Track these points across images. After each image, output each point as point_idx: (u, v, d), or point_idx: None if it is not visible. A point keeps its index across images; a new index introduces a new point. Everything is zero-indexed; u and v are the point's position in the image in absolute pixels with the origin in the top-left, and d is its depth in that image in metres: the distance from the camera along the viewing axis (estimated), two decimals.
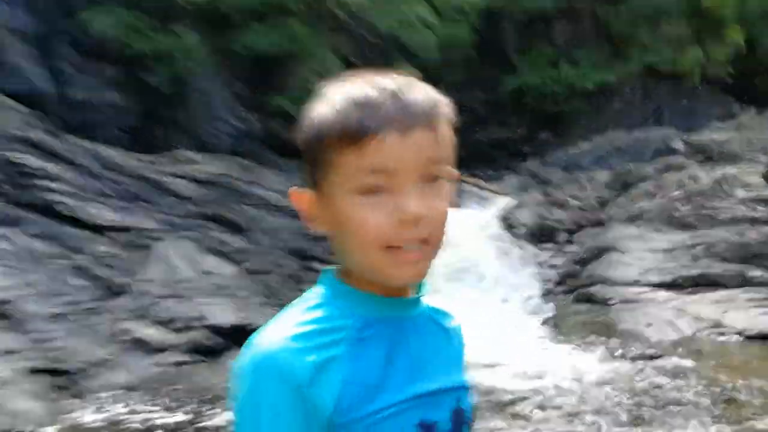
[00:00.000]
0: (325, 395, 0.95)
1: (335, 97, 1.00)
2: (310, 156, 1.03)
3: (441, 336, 1.13)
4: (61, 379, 6.42)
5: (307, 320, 1.00)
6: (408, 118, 0.96)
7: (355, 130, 0.96)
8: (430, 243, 1.00)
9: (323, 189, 1.03)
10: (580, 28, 17.61)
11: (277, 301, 8.23)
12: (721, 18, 16.60)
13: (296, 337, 0.97)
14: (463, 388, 1.12)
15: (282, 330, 0.99)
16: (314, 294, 1.06)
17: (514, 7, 16.75)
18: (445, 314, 1.17)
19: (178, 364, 7.01)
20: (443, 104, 1.04)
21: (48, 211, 8.12)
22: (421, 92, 1.01)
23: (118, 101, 12.61)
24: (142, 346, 7.04)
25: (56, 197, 8.25)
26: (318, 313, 1.02)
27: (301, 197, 1.08)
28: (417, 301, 1.09)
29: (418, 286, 1.11)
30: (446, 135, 1.02)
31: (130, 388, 6.50)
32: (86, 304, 7.32)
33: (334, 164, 0.99)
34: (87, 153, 9.28)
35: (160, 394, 6.38)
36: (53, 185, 8.39)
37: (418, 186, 0.97)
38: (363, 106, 0.97)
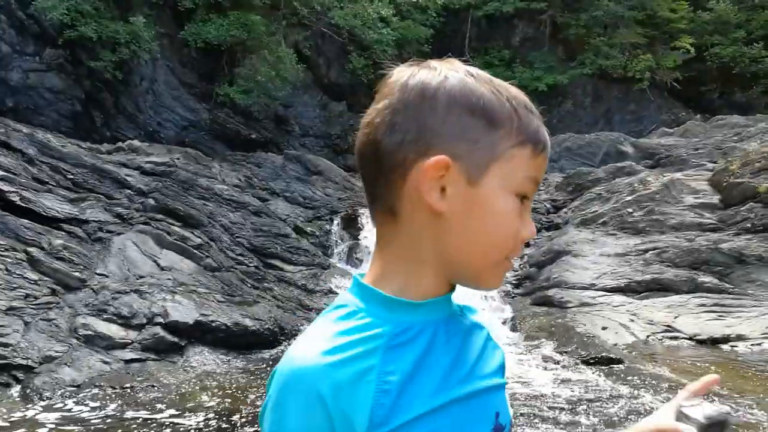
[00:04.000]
0: (360, 409, 0.91)
1: (500, 88, 0.97)
2: (465, 131, 0.94)
3: (473, 335, 1.06)
4: (13, 375, 6.18)
5: (340, 331, 0.95)
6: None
7: (540, 139, 0.96)
8: None
9: (479, 172, 0.94)
10: (536, 30, 17.80)
11: (237, 298, 8.04)
12: (673, 27, 17.03)
13: (330, 351, 0.92)
14: (499, 388, 1.06)
15: (315, 344, 0.93)
16: (346, 301, 1.00)
17: (475, 6, 16.81)
18: (472, 310, 1.12)
19: (133, 361, 6.79)
20: None
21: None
22: None
23: (59, 85, 12.08)
24: (101, 341, 6.82)
25: (6, 187, 7.82)
26: (352, 323, 0.96)
27: (442, 164, 0.93)
28: (450, 300, 1.03)
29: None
30: None
31: (83, 385, 6.26)
32: (43, 298, 7.01)
33: (507, 157, 0.94)
34: (30, 140, 8.81)
35: (114, 392, 6.17)
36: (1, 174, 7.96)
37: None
38: (536, 116, 0.98)
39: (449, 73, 0.95)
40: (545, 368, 6.80)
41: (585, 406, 5.80)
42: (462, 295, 1.09)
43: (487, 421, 1.01)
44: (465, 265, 0.98)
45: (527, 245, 10.10)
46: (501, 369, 1.09)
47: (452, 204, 0.94)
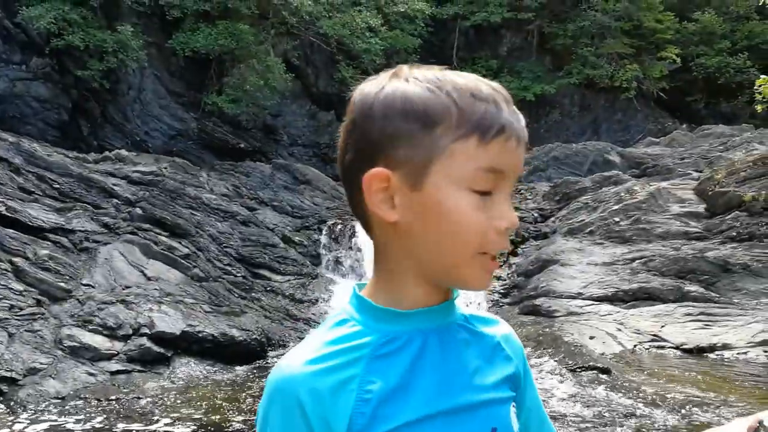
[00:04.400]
0: (339, 417, 0.92)
1: (439, 83, 0.93)
2: (402, 133, 0.92)
3: (475, 345, 1.03)
4: None
5: (328, 340, 0.97)
6: (522, 129, 0.94)
7: (487, 125, 0.91)
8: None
9: (420, 176, 0.92)
10: (524, 40, 17.90)
11: (225, 308, 8.00)
12: (659, 37, 17.18)
13: (314, 360, 0.94)
14: (500, 402, 1.01)
15: (302, 353, 0.96)
16: (342, 311, 1.02)
17: (463, 16, 16.89)
18: (485, 321, 1.08)
19: (119, 372, 6.75)
20: None
21: None
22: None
23: (46, 94, 12.02)
24: (86, 353, 6.77)
25: None
26: (341, 331, 0.98)
27: (381, 177, 0.93)
28: (448, 309, 1.01)
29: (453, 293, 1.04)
30: None
31: (67, 397, 6.21)
32: (28, 309, 6.97)
33: (448, 153, 0.91)
34: (16, 149, 8.76)
35: (99, 405, 6.12)
36: None
37: (510, 197, 0.96)
38: (485, 101, 0.92)
39: (387, 81, 0.94)
40: (536, 378, 6.79)
41: (568, 413, 5.81)
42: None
43: None
44: (438, 267, 0.95)
45: (515, 254, 10.13)
46: (509, 381, 1.05)
47: (403, 213, 0.93)
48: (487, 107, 0.92)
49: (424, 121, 0.91)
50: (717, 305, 8.32)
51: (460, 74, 0.95)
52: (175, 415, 5.95)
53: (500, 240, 0.92)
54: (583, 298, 8.66)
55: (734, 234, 9.08)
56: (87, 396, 6.25)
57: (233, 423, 5.80)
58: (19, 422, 5.73)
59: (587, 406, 6.00)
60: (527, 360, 1.12)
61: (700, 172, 11.30)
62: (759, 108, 9.90)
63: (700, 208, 9.95)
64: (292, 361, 0.96)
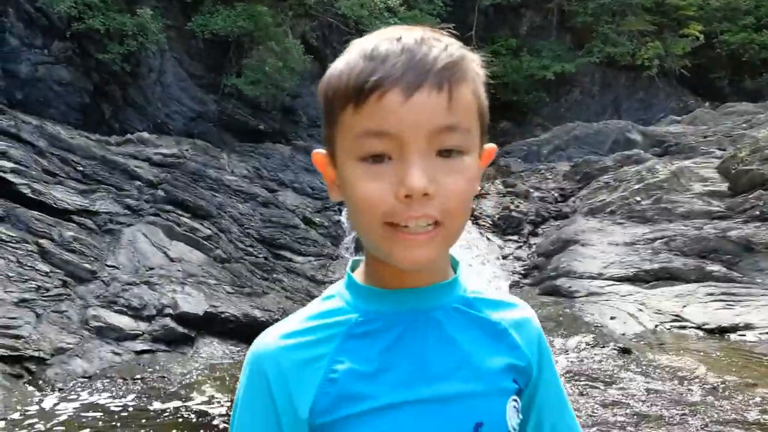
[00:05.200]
0: (304, 394, 0.90)
1: (350, 50, 0.89)
2: (324, 113, 0.92)
3: (472, 330, 0.96)
4: (26, 367, 6.24)
5: (311, 315, 0.96)
6: (415, 76, 0.82)
7: (354, 86, 0.84)
8: (443, 224, 0.86)
9: (333, 153, 0.91)
10: (544, 19, 17.70)
11: (247, 289, 8.08)
12: (681, 14, 16.89)
13: (289, 335, 0.94)
14: (493, 395, 0.94)
15: (282, 326, 0.96)
16: (334, 285, 1.01)
17: None
18: (497, 304, 1.01)
19: (144, 352, 6.85)
20: (468, 63, 0.89)
21: (10, 194, 7.75)
22: (440, 47, 0.86)
23: (68, 78, 12.12)
24: (111, 333, 6.87)
25: (17, 179, 7.87)
26: (325, 306, 0.97)
27: (316, 159, 0.96)
28: (442, 290, 0.96)
29: (455, 270, 0.99)
30: (467, 100, 0.87)
31: (94, 377, 6.33)
32: (54, 290, 7.06)
33: (339, 123, 0.88)
34: (39, 132, 8.87)
35: (125, 384, 6.24)
36: (9, 165, 8.00)
37: (427, 157, 0.83)
38: (369, 58, 0.85)
39: (341, 56, 0.92)
40: (559, 358, 6.81)
41: (589, 393, 5.83)
42: (499, 291, 1.03)
43: (455, 430, 0.91)
44: (367, 243, 0.91)
45: (535, 235, 10.08)
46: (512, 372, 0.97)
47: (337, 192, 0.92)
48: (368, 66, 0.84)
49: (327, 96, 0.89)
50: (739, 285, 8.26)
51: (389, 31, 0.88)
52: (203, 394, 6.06)
53: (404, 208, 0.83)
54: (604, 279, 8.63)
55: (757, 213, 8.97)
56: (113, 375, 6.37)
57: None
58: (51, 400, 5.86)
59: (608, 385, 6.01)
60: (548, 346, 1.03)
61: (723, 150, 11.16)
62: None
63: (723, 186, 9.84)
64: (269, 335, 0.97)
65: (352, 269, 1.00)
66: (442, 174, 0.84)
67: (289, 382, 0.91)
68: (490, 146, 0.96)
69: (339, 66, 0.88)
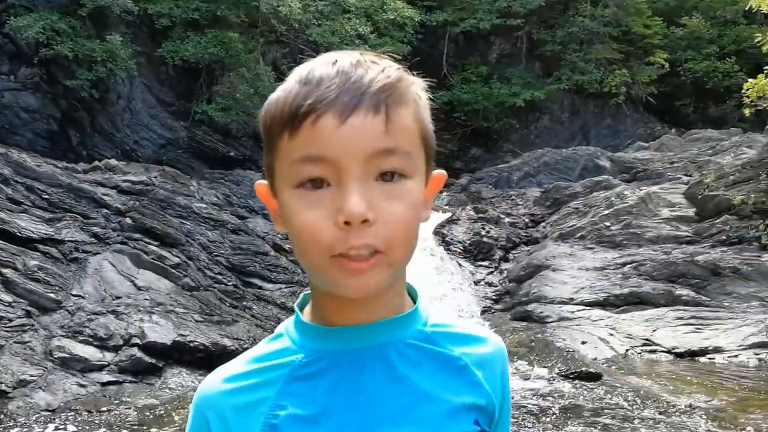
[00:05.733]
0: None
1: (289, 77, 0.86)
2: (264, 143, 0.88)
3: (427, 367, 0.90)
4: None
5: (255, 356, 0.92)
6: (349, 98, 0.79)
7: (289, 111, 0.81)
8: (386, 252, 0.81)
9: (273, 182, 0.88)
10: (513, 47, 17.97)
11: (216, 318, 7.96)
12: (647, 42, 17.28)
13: (231, 378, 0.91)
14: None
15: (227, 368, 0.93)
16: (283, 323, 0.96)
17: (452, 23, 16.94)
18: (462, 339, 0.94)
19: (110, 383, 6.69)
20: (406, 86, 0.85)
21: None
22: (377, 69, 0.83)
23: (35, 104, 11.96)
24: (76, 364, 6.72)
25: None
26: (272, 346, 0.92)
27: (258, 189, 0.92)
28: (394, 324, 0.89)
29: (414, 305, 0.93)
30: (406, 122, 0.83)
31: (58, 410, 6.16)
32: (17, 320, 6.91)
33: (276, 152, 0.84)
34: (5, 160, 8.72)
35: (90, 416, 6.07)
36: None
37: (365, 182, 0.80)
38: (304, 83, 0.82)
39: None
40: (529, 384, 6.79)
41: (561, 418, 5.80)
42: (469, 323, 0.96)
43: None
44: (311, 274, 0.87)
45: (506, 260, 10.12)
46: (472, 412, 0.90)
47: (282, 222, 0.88)
48: (303, 90, 0.82)
49: (266, 125, 0.86)
50: (708, 309, 8.35)
51: (326, 56, 0.86)
52: (172, 425, 5.91)
53: (345, 237, 0.79)
54: (575, 304, 8.67)
55: (724, 238, 9.12)
56: (78, 408, 6.20)
57: None
58: None
59: (580, 412, 6.00)
60: (509, 384, 0.99)
61: (690, 176, 11.36)
62: (747, 112, 9.95)
63: (690, 212, 9.99)
64: (213, 377, 0.93)
65: (302, 305, 0.95)
66: (382, 199, 0.80)
67: (230, 427, 0.87)
68: (439, 172, 0.92)
69: (277, 93, 0.86)
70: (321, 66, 0.83)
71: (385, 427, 0.85)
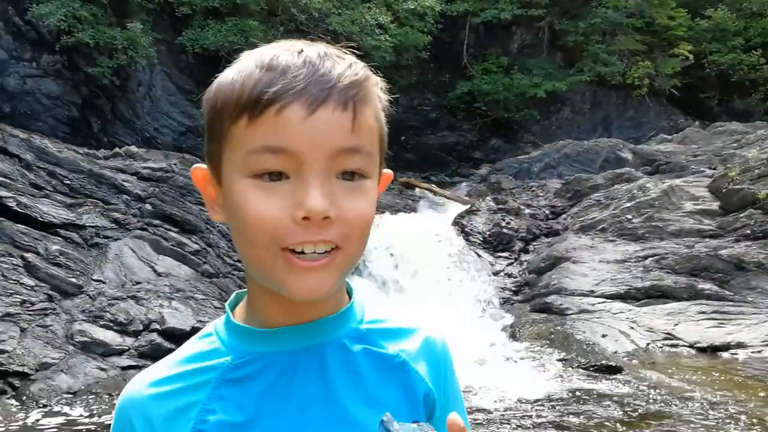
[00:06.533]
0: None
1: (243, 60, 0.82)
2: (208, 126, 0.83)
3: (363, 368, 0.87)
4: (9, 382, 6.12)
5: (182, 358, 0.88)
6: (318, 90, 0.77)
7: (249, 97, 0.77)
8: (342, 249, 0.79)
9: (218, 169, 0.83)
10: (535, 37, 17.80)
11: None
12: (671, 34, 17.04)
13: (157, 382, 0.86)
14: None
15: (152, 371, 0.89)
16: (212, 322, 0.92)
17: (473, 13, 16.81)
18: (396, 334, 0.91)
19: (130, 368, 6.70)
20: (372, 85, 0.84)
21: None
22: (344, 64, 0.81)
23: (56, 91, 12.04)
24: (97, 348, 6.75)
25: (3, 192, 7.76)
26: (199, 347, 0.88)
27: (196, 175, 0.87)
28: (330, 324, 0.86)
29: (350, 301, 0.90)
30: (369, 122, 0.82)
31: (79, 392, 6.21)
32: (39, 304, 6.94)
33: (228, 137, 0.80)
34: (27, 145, 8.77)
35: (110, 400, 6.09)
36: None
37: (327, 179, 0.78)
38: (267, 68, 0.78)
39: (229, 67, 0.85)
40: (549, 377, 6.73)
41: (580, 412, 5.75)
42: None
43: None
44: (253, 271, 0.82)
45: (526, 252, 10.04)
46: (408, 412, 0.86)
47: (223, 212, 0.84)
48: (266, 76, 0.78)
49: (214, 107, 0.82)
50: (731, 303, 8.23)
51: (287, 43, 0.83)
52: None
53: (300, 231, 0.76)
54: (595, 296, 8.58)
55: (748, 232, 8.98)
56: (99, 391, 6.24)
57: None
58: (34, 416, 5.74)
59: (599, 405, 5.94)
60: (452, 366, 0.95)
61: (714, 169, 11.19)
62: None
63: (714, 205, 9.84)
64: (138, 381, 0.89)
65: (234, 304, 0.91)
66: (343, 197, 0.78)
67: None
68: (387, 172, 0.91)
69: (230, 75, 0.81)
70: (285, 53, 0.80)
71: (333, 425, 0.83)
